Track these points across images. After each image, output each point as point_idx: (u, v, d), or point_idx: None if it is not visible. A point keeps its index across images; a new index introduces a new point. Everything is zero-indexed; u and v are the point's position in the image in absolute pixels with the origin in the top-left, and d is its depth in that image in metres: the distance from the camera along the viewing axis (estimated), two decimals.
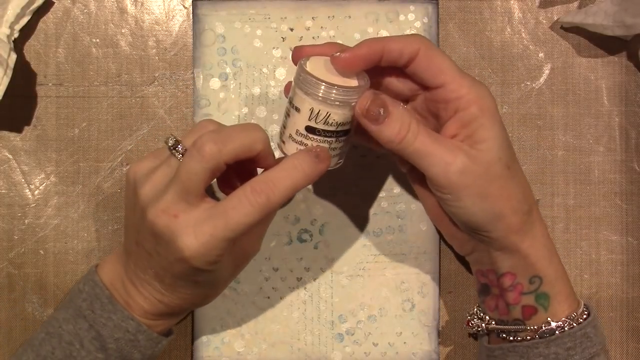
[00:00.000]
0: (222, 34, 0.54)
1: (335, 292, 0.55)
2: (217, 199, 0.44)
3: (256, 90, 0.55)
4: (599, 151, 0.56)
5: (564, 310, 0.47)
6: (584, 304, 0.48)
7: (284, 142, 0.45)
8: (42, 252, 0.55)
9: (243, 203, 0.41)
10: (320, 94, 0.43)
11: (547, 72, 0.56)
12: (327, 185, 0.55)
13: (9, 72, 0.51)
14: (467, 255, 0.51)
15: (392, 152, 0.44)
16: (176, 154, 0.44)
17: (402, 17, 0.55)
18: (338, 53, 0.43)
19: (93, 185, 0.55)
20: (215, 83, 0.54)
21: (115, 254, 0.48)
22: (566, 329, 0.46)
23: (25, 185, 0.54)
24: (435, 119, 0.47)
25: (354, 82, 0.44)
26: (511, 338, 0.48)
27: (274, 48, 0.55)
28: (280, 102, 0.55)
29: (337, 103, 0.43)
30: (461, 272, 0.55)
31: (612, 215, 0.56)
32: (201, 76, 0.54)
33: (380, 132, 0.43)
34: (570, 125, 0.56)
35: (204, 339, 0.54)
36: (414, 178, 0.50)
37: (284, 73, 0.55)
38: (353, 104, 0.43)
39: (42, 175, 0.55)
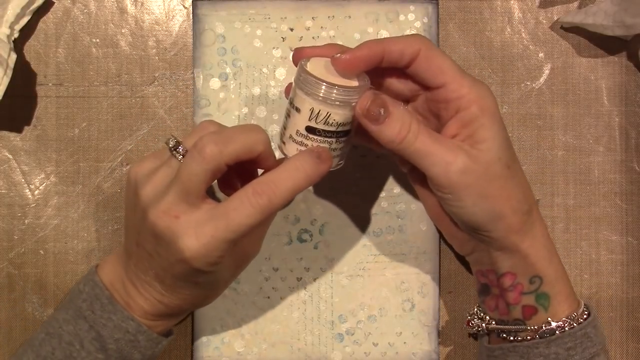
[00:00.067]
0: (222, 34, 0.54)
1: (335, 292, 0.55)
2: (218, 200, 0.44)
3: (256, 90, 0.55)
4: (599, 151, 0.56)
5: (564, 310, 0.47)
6: (584, 304, 0.48)
7: (284, 142, 0.45)
8: (42, 252, 0.55)
9: (244, 204, 0.41)
10: (320, 94, 0.43)
11: (547, 72, 0.56)
12: (327, 186, 0.55)
13: (9, 72, 0.51)
14: (467, 255, 0.51)
15: (392, 152, 0.44)
16: (177, 155, 0.44)
17: (402, 17, 0.55)
18: (338, 54, 0.43)
19: (93, 185, 0.55)
20: (215, 83, 0.54)
21: (115, 254, 0.48)
22: (566, 329, 0.46)
23: (25, 185, 0.54)
24: (436, 119, 0.47)
25: (354, 83, 0.44)
26: (511, 338, 0.48)
27: (274, 48, 0.55)
28: (280, 102, 0.55)
29: (338, 103, 0.43)
30: (461, 272, 0.55)
31: (612, 215, 0.56)
32: (201, 76, 0.54)
33: (380, 132, 0.43)
34: (570, 125, 0.56)
35: (204, 339, 0.54)
36: (415, 178, 0.50)
37: (284, 73, 0.55)
38: (353, 104, 0.43)
39: (42, 175, 0.55)
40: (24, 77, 0.54)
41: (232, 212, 0.41)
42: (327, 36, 0.55)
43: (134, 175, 0.45)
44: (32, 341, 0.46)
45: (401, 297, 0.55)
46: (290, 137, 0.44)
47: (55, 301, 0.55)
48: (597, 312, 0.52)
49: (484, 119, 0.44)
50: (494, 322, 0.49)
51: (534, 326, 0.47)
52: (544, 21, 0.56)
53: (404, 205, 0.55)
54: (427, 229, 0.55)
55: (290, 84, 0.45)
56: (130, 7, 0.55)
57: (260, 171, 0.46)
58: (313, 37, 0.55)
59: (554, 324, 0.46)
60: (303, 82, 0.43)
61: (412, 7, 0.55)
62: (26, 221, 0.55)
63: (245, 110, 0.55)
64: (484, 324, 0.50)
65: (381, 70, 0.46)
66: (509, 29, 0.56)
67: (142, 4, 0.55)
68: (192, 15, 0.55)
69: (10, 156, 0.54)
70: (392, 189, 0.55)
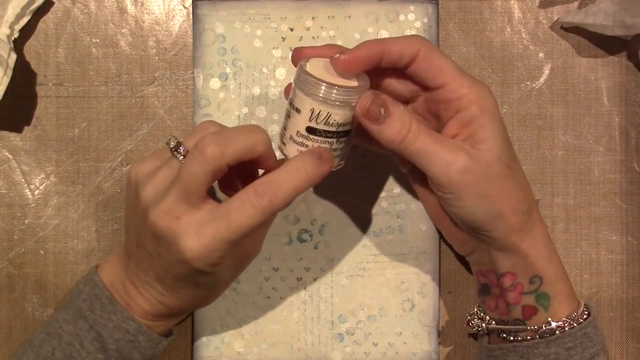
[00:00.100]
0: (222, 34, 0.54)
1: (335, 292, 0.55)
2: (219, 201, 0.43)
3: (256, 90, 0.55)
4: (599, 151, 0.56)
5: (564, 310, 0.47)
6: (584, 304, 0.48)
7: (284, 143, 0.45)
8: (42, 252, 0.55)
9: (246, 205, 0.41)
10: (320, 94, 0.42)
11: (547, 72, 0.56)
12: (327, 185, 0.55)
13: (9, 72, 0.51)
14: (467, 255, 0.51)
15: (392, 152, 0.44)
16: (178, 156, 0.44)
17: (402, 17, 0.55)
18: (338, 55, 0.43)
19: (93, 185, 0.55)
20: (215, 83, 0.54)
21: (116, 254, 0.48)
22: (566, 328, 0.46)
23: (25, 185, 0.54)
24: (436, 120, 0.47)
25: (354, 83, 0.44)
26: (511, 338, 0.48)
27: (274, 48, 0.55)
28: (280, 102, 0.55)
29: (338, 103, 0.43)
30: (461, 272, 0.56)
31: (612, 215, 0.56)
32: (201, 76, 0.54)
33: (380, 132, 0.43)
34: (570, 125, 0.56)
35: (204, 339, 0.54)
36: (415, 178, 0.50)
37: (284, 73, 0.55)
38: (353, 104, 0.43)
39: (42, 175, 0.55)
40: (24, 77, 0.54)
41: (233, 213, 0.41)
42: (327, 36, 0.55)
43: (135, 176, 0.45)
44: (32, 341, 0.46)
45: (401, 297, 0.55)
46: (291, 137, 0.44)
47: (55, 301, 0.55)
48: (597, 312, 0.52)
49: (484, 119, 0.44)
50: (494, 322, 0.49)
51: (534, 326, 0.47)
52: (544, 21, 0.56)
53: (404, 205, 0.55)
54: (427, 229, 0.55)
55: (290, 84, 0.45)
56: (130, 7, 0.55)
57: (261, 172, 0.46)
58: (313, 37, 0.55)
59: (554, 324, 0.46)
60: (303, 82, 0.43)
61: (412, 7, 0.55)
62: (26, 221, 0.55)
63: (245, 110, 0.55)
64: (484, 324, 0.50)
65: (380, 71, 0.46)
66: (509, 29, 0.56)
67: (142, 4, 0.55)
68: (192, 15, 0.55)
69: (10, 156, 0.54)
70: (392, 189, 0.55)
